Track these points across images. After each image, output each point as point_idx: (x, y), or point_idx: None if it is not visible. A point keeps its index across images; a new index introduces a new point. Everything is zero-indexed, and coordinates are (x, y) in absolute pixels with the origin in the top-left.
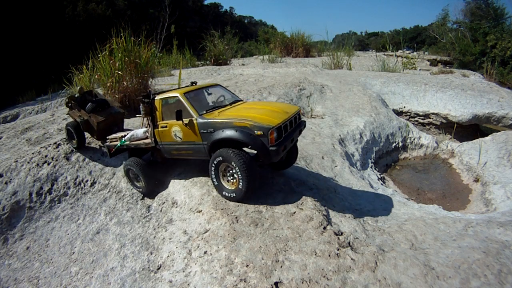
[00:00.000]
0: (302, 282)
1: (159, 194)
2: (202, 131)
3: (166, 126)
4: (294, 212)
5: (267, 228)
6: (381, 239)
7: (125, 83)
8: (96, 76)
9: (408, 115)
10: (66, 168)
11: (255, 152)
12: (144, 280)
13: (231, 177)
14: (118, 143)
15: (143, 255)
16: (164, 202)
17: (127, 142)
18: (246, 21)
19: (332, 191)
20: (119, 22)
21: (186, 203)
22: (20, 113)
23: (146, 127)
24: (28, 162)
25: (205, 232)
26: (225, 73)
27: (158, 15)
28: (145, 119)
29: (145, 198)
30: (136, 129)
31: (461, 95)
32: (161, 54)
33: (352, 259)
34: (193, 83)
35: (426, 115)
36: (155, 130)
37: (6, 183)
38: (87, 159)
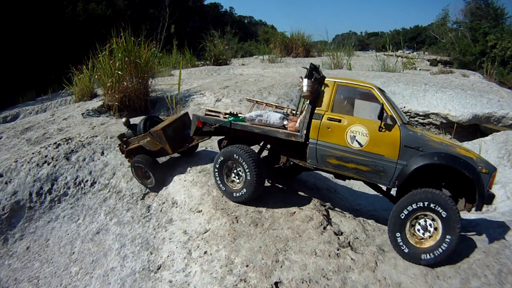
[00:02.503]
0: (302, 282)
1: (159, 194)
2: (405, 145)
3: (339, 121)
4: (294, 212)
5: (267, 228)
6: (381, 239)
7: (125, 83)
8: (96, 76)
9: (408, 115)
10: (66, 168)
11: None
12: (144, 280)
13: (423, 231)
14: (222, 119)
15: (143, 255)
16: (164, 202)
17: (248, 124)
18: (246, 21)
19: (332, 191)
20: (119, 22)
21: (186, 203)
22: (20, 113)
23: (285, 113)
24: (28, 162)
25: (205, 232)
26: (225, 73)
27: (158, 15)
28: (303, 100)
29: (145, 198)
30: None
31: (461, 95)
32: (161, 54)
33: (352, 259)
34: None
35: (426, 115)
36: (313, 120)
37: (6, 183)
38: (87, 159)
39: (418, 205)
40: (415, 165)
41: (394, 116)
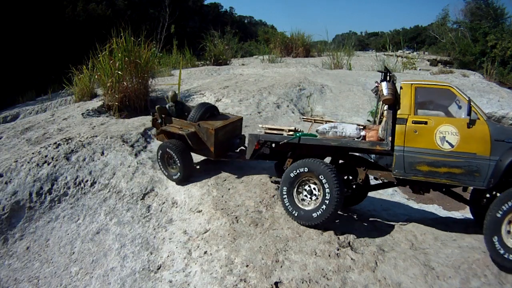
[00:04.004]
0: (302, 282)
1: (159, 194)
2: (496, 139)
3: (425, 123)
4: None
5: (267, 228)
6: (381, 239)
7: (125, 83)
8: (96, 76)
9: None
10: (66, 168)
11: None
12: (144, 280)
13: None
14: (285, 134)
15: (143, 255)
16: (164, 202)
17: (320, 138)
18: (246, 21)
19: None
20: (119, 22)
21: (186, 203)
22: (20, 113)
23: (358, 124)
24: (28, 162)
25: (205, 232)
26: (225, 73)
27: (158, 15)
28: (381, 107)
29: (145, 198)
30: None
31: None
32: (161, 54)
33: (352, 259)
34: None
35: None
36: (397, 125)
37: (6, 183)
38: (87, 159)
39: None
40: (505, 161)
41: (479, 111)
